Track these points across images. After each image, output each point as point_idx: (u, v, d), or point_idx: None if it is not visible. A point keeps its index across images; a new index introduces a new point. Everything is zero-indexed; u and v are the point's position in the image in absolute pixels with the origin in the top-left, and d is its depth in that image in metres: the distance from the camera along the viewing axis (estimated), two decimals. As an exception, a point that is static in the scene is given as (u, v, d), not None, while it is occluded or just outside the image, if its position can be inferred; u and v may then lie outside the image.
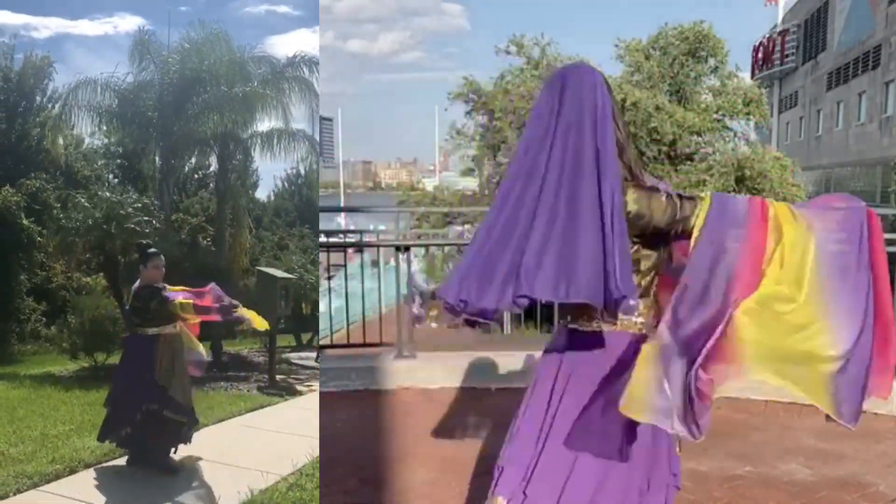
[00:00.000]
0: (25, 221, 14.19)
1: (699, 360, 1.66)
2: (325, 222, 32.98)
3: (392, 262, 5.40)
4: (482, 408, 4.45)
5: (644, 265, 1.90)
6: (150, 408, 4.09)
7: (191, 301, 4.10)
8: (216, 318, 4.19)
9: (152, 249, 4.36)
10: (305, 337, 13.47)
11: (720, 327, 1.68)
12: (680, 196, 1.82)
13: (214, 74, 11.80)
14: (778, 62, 31.48)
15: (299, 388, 8.61)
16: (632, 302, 1.65)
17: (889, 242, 5.24)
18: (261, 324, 4.28)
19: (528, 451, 1.90)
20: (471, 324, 1.76)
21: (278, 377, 9.16)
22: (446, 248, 9.43)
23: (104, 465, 4.44)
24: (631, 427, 1.76)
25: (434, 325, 2.28)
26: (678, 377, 1.66)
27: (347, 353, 5.32)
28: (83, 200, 10.72)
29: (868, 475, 3.52)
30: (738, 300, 1.70)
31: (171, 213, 12.90)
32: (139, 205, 10.80)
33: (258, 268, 10.58)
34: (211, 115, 11.89)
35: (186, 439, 4.37)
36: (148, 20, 41.99)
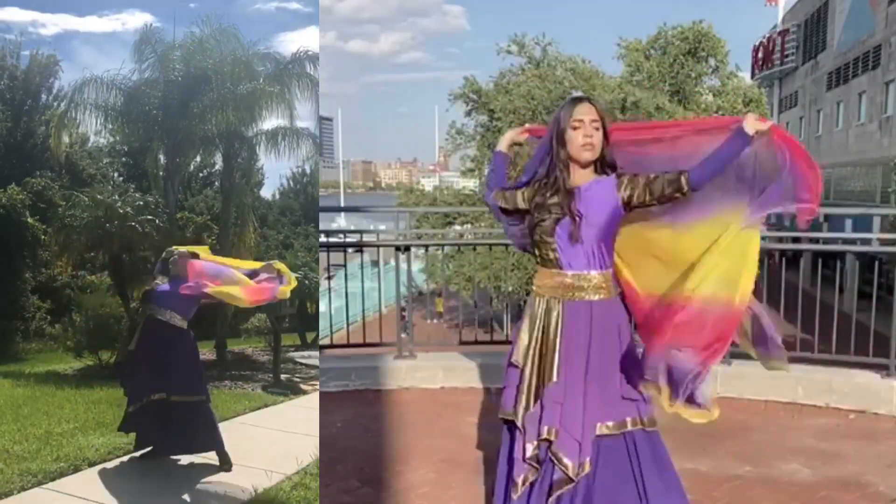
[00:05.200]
0: (30, 219, 14.20)
1: None
2: (324, 222, 32.91)
3: (392, 262, 5.41)
4: (482, 408, 4.47)
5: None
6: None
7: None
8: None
9: (173, 257, 4.30)
10: (310, 336, 13.46)
11: None
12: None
13: (219, 72, 11.78)
14: (778, 62, 31.43)
15: (304, 387, 8.62)
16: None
17: (889, 242, 5.23)
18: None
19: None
20: None
21: (283, 376, 9.17)
22: (446, 248, 9.45)
23: (108, 463, 4.46)
24: None
25: None
26: None
27: (347, 353, 5.33)
28: (85, 199, 10.74)
29: (868, 475, 3.53)
30: None
31: (176, 212, 12.87)
32: (140, 203, 10.80)
33: (263, 266, 10.58)
34: (216, 113, 11.87)
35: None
36: (156, 17, 41.81)
